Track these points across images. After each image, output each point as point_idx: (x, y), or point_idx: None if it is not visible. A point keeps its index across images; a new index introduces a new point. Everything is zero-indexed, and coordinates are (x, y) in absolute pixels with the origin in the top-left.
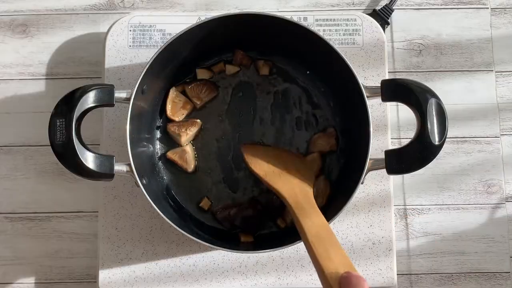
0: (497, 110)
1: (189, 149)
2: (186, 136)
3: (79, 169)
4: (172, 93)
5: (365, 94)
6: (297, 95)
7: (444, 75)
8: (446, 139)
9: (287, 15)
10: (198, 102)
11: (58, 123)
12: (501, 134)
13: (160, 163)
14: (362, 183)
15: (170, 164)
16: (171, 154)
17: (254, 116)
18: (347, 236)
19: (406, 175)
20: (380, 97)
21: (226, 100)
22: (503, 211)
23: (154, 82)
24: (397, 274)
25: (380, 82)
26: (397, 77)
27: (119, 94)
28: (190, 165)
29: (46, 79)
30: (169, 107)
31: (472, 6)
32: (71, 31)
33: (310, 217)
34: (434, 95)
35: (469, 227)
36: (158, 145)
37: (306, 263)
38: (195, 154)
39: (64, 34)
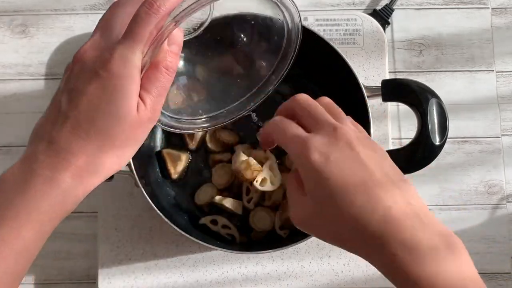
0: (498, 110)
1: (184, 158)
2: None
3: None
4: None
5: (365, 94)
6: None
7: (444, 75)
8: (447, 139)
9: None
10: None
11: None
12: (502, 135)
13: (158, 160)
14: None
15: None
16: (166, 153)
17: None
18: None
19: (406, 175)
20: (381, 97)
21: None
22: (504, 211)
23: None
24: None
25: (380, 82)
26: (398, 77)
27: None
28: (176, 173)
29: (46, 79)
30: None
31: (473, 6)
32: (71, 31)
33: None
34: (434, 95)
35: (469, 227)
36: (158, 142)
37: (306, 264)
38: (187, 165)
39: (63, 34)
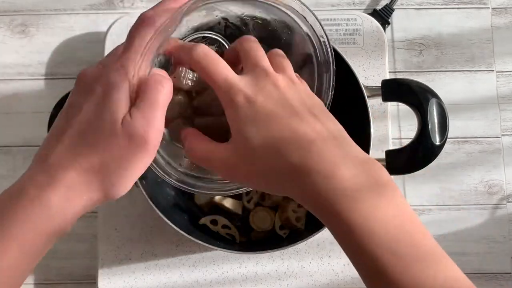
0: (498, 110)
1: None
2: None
3: None
4: None
5: (365, 94)
6: None
7: (444, 75)
8: (447, 139)
9: None
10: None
11: None
12: (502, 135)
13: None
14: None
15: None
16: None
17: None
18: None
19: (406, 175)
20: (381, 97)
21: None
22: (504, 211)
23: None
24: None
25: (380, 82)
26: (398, 77)
27: None
28: None
29: (46, 79)
30: None
31: (473, 6)
32: (70, 31)
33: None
34: (434, 95)
35: (470, 227)
36: None
37: (306, 264)
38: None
39: (63, 34)
